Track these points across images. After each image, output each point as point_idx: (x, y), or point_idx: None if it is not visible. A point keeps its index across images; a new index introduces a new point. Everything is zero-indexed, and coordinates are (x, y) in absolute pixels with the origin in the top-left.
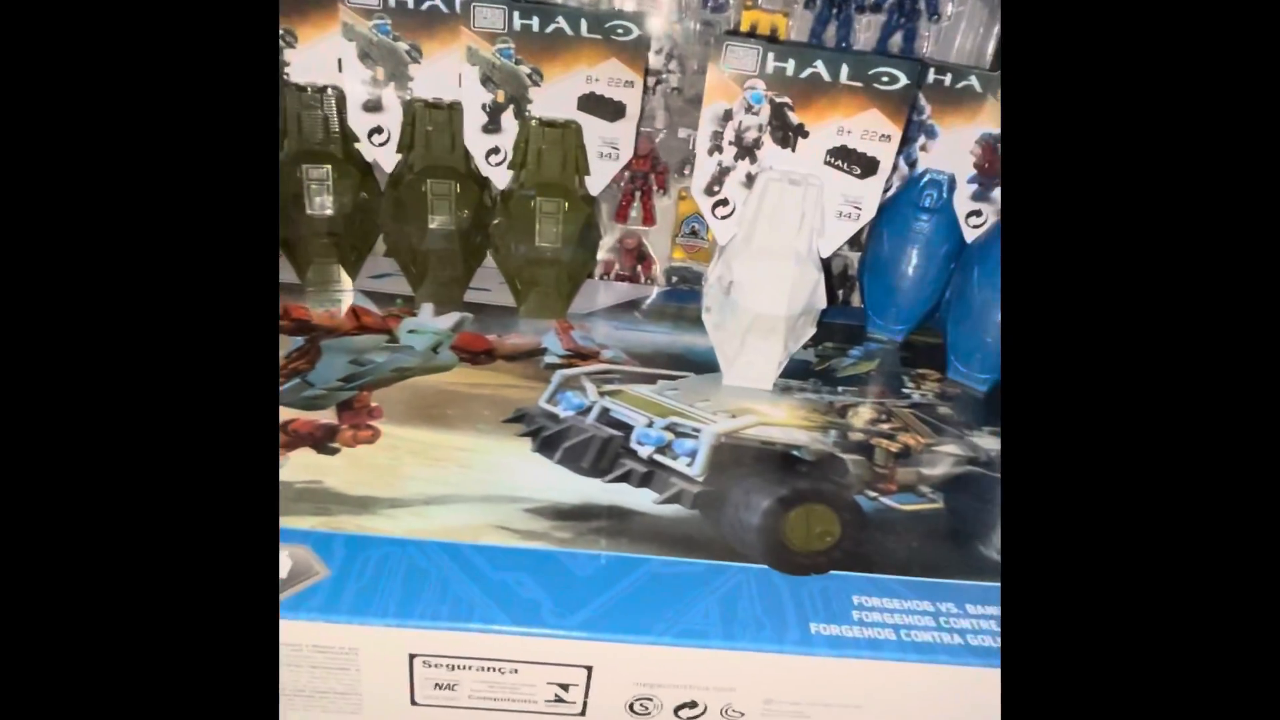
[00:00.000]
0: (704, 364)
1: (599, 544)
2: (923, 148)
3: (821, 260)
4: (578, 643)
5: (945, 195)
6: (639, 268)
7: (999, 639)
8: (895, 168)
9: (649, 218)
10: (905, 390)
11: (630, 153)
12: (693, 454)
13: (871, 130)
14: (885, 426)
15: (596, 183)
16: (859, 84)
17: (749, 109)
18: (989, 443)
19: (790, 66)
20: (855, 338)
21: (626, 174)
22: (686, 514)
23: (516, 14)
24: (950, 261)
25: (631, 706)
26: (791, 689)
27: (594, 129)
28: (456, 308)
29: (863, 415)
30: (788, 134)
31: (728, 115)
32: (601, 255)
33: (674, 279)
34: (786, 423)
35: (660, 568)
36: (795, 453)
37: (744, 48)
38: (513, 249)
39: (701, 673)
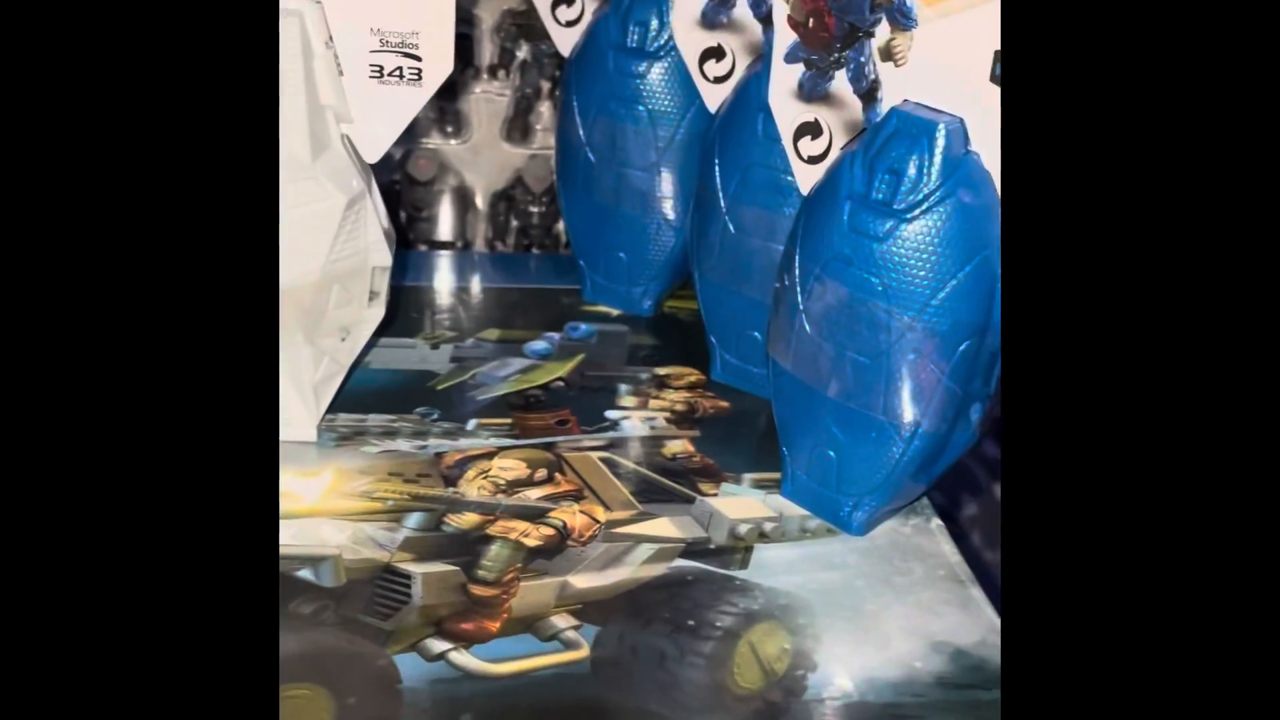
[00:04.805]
0: None
1: None
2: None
3: (365, 166)
4: None
5: (666, 21)
6: None
7: None
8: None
9: None
10: (612, 414)
11: None
12: None
13: None
14: (536, 495)
15: None
16: None
17: None
18: (745, 507)
19: None
20: (559, 317)
21: None
22: None
23: None
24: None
25: None
26: None
27: None
28: None
29: (497, 475)
30: None
31: None
32: None
33: None
34: (315, 510)
35: None
36: (305, 574)
37: None
38: None
39: None
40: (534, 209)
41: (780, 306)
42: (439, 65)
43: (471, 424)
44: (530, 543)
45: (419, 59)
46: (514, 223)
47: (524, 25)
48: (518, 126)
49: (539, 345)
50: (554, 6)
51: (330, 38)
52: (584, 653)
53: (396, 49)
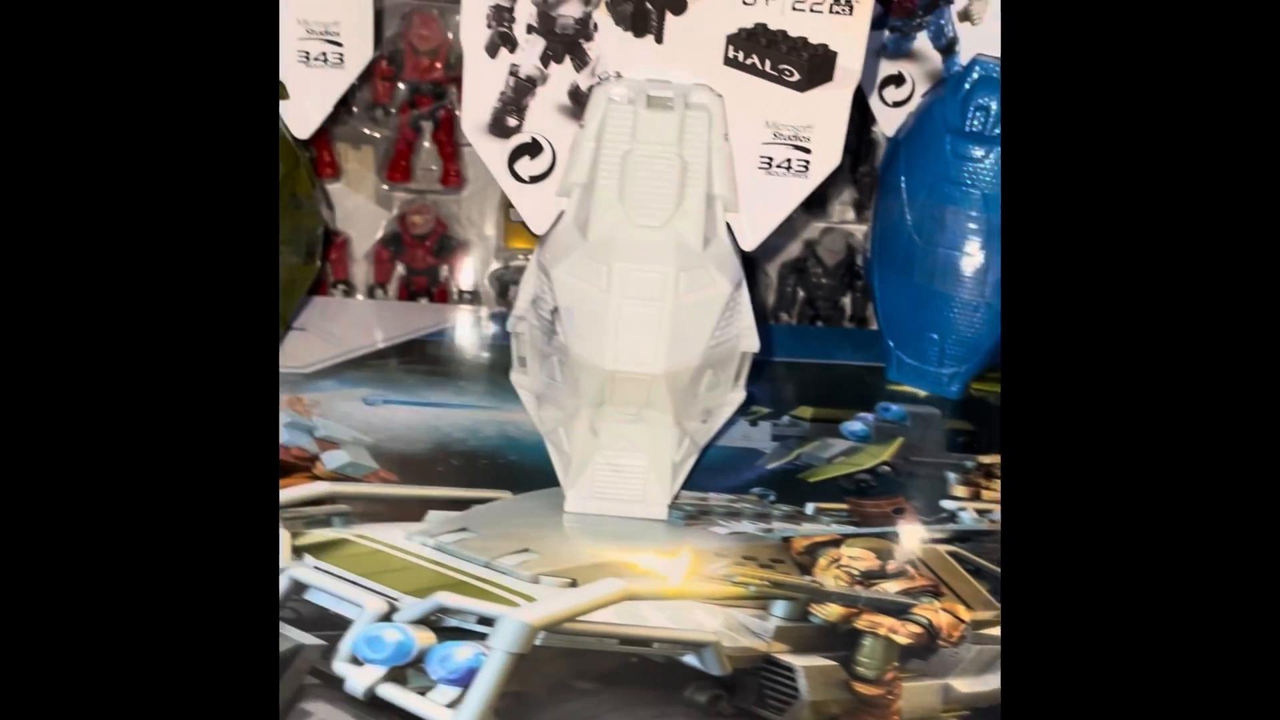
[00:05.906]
0: (541, 470)
1: None
2: (963, 15)
3: (743, 254)
4: None
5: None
6: (444, 270)
7: None
8: (905, 52)
9: (452, 174)
10: (948, 504)
11: (369, 50)
12: (466, 678)
13: None
14: (894, 588)
15: (306, 114)
16: None
17: None
18: None
19: None
20: (865, 396)
21: (399, 92)
22: None
23: None
24: None
25: None
26: None
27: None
28: None
29: (849, 564)
30: (644, 5)
31: None
32: (367, 248)
33: (510, 289)
34: (683, 592)
35: None
36: (691, 660)
37: None
38: None
39: None
40: (825, 281)
41: None
42: (828, 158)
43: (810, 508)
44: (901, 640)
45: (809, 151)
46: (800, 294)
47: None
48: (814, 198)
49: (856, 427)
50: (882, 86)
51: (727, 132)
52: None
53: (788, 141)
